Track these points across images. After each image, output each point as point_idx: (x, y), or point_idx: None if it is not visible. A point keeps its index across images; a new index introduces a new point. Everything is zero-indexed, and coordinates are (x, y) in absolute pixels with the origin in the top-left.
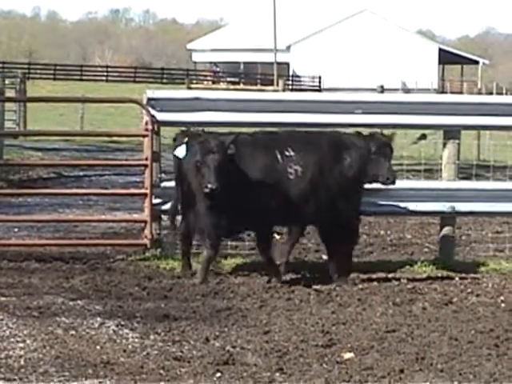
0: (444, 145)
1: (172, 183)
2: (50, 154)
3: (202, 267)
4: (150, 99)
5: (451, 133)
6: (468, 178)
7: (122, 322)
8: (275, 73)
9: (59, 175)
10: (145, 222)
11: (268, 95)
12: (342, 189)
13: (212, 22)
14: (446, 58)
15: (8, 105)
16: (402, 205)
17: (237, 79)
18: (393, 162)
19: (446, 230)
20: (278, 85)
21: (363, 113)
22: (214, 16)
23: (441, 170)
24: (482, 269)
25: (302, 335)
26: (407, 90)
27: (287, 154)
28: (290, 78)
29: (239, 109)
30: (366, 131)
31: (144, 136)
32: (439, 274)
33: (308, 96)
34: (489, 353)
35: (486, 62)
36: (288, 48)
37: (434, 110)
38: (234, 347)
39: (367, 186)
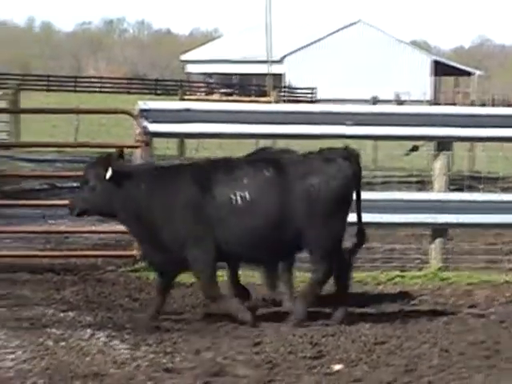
0: (435, 156)
1: None
2: (42, 165)
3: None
4: (141, 110)
5: (444, 144)
6: (460, 189)
7: (113, 334)
8: (268, 84)
9: (52, 186)
10: None
11: (256, 106)
12: None
13: (206, 33)
14: (440, 69)
15: (1, 116)
16: (392, 216)
17: (230, 90)
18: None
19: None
20: (271, 96)
21: (354, 124)
22: (208, 27)
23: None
24: None
25: (290, 347)
26: (400, 102)
27: None
28: (284, 89)
29: (230, 120)
30: (357, 143)
31: (136, 147)
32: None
33: (297, 107)
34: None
35: (481, 73)
36: (282, 59)
37: (426, 121)
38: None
39: None
